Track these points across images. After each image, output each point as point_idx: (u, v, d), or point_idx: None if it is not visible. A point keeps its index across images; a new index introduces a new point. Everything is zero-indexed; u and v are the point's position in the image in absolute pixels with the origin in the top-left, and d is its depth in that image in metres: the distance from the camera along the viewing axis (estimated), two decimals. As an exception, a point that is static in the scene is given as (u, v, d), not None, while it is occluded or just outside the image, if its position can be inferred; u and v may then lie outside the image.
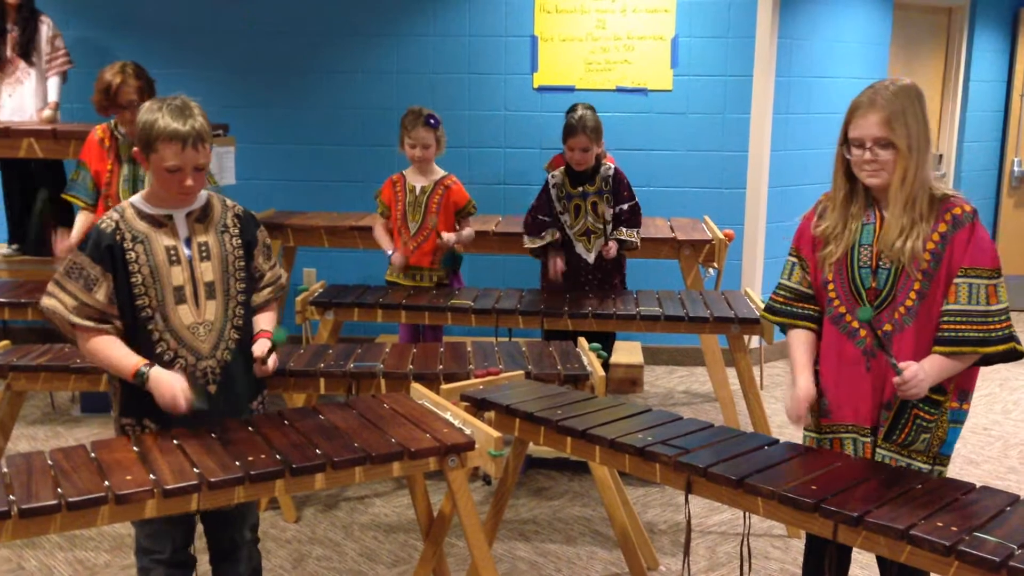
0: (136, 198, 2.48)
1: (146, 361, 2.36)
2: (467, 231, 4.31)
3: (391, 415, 2.58)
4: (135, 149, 2.44)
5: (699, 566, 3.40)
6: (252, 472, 2.18)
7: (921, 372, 2.27)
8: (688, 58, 5.54)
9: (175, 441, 2.32)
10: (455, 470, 2.43)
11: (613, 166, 4.23)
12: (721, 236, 4.60)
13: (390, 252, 4.29)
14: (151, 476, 2.12)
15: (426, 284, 4.25)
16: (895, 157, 2.29)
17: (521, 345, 3.38)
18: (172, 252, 2.42)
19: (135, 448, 2.28)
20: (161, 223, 2.44)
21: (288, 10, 5.67)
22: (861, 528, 1.94)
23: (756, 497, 2.12)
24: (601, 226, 4.19)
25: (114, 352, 2.37)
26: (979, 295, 2.26)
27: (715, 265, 4.63)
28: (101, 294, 2.36)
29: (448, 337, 4.37)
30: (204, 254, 2.46)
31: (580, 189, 4.18)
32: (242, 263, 2.53)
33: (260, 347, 2.54)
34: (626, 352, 5.37)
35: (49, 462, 2.20)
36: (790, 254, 2.56)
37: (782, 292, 2.55)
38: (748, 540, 2.43)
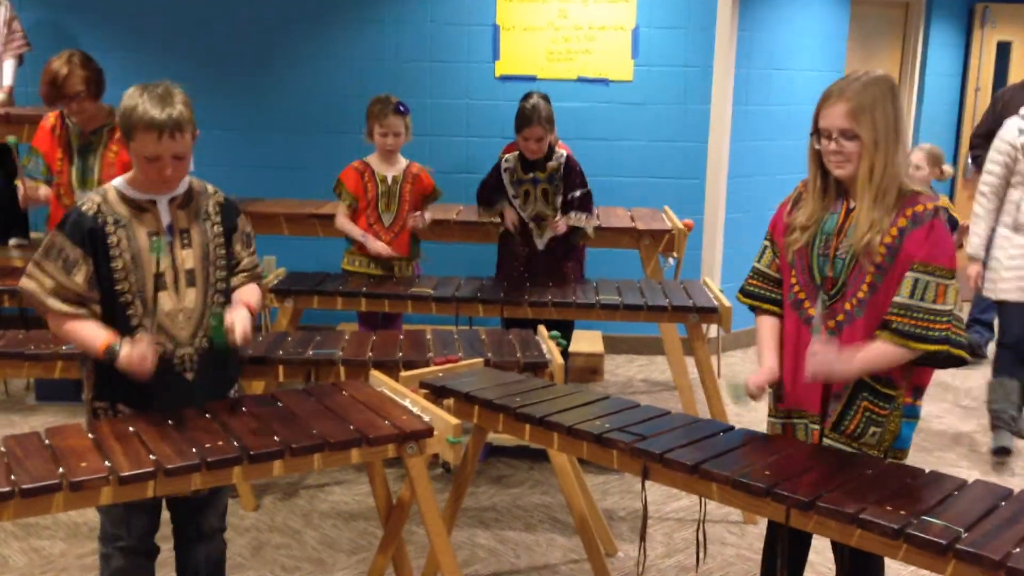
0: (119, 181, 2.45)
1: (115, 336, 2.33)
2: (428, 214, 4.31)
3: (350, 402, 2.57)
4: (118, 136, 2.40)
5: (656, 552, 3.44)
6: (209, 459, 2.17)
7: (833, 355, 2.27)
8: (648, 49, 5.57)
9: (131, 428, 2.30)
10: (414, 457, 2.44)
11: (565, 153, 4.23)
12: (680, 226, 4.64)
13: (361, 236, 4.17)
14: (106, 463, 2.11)
15: (408, 275, 4.23)
16: (860, 149, 2.29)
17: (481, 333, 3.39)
18: (153, 238, 2.40)
19: (90, 435, 2.26)
20: (144, 208, 2.41)
21: (248, -5, 5.62)
22: (812, 512, 1.98)
23: (711, 483, 2.15)
24: (551, 213, 4.19)
25: (86, 332, 2.34)
26: (926, 291, 2.24)
27: (675, 255, 4.66)
28: (80, 277, 2.34)
29: (408, 326, 4.36)
30: (185, 241, 2.44)
31: (531, 175, 4.18)
32: (222, 251, 2.51)
33: (237, 313, 2.46)
34: (587, 341, 5.40)
35: (2, 449, 2.18)
36: (765, 238, 2.58)
37: (754, 276, 2.58)
38: (704, 526, 2.47)
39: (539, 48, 5.61)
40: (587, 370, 5.29)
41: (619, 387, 5.26)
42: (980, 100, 7.22)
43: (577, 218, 4.18)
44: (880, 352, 2.28)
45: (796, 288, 2.45)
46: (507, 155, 4.26)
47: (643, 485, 2.32)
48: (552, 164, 4.17)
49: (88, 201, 2.40)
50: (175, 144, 2.33)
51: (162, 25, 5.64)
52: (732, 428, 2.45)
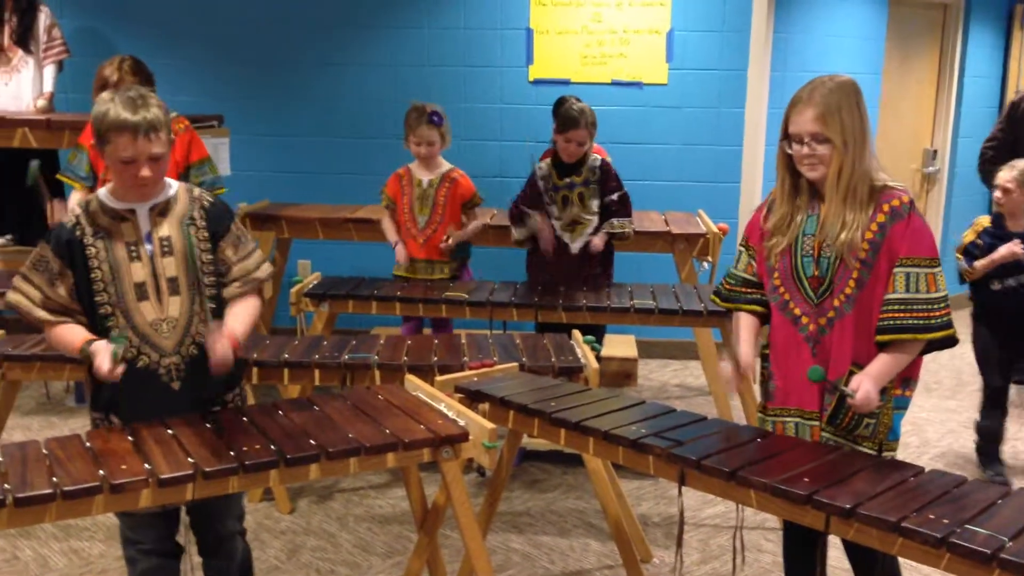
0: (102, 191, 2.44)
1: (92, 337, 2.33)
2: (473, 225, 4.31)
3: (385, 406, 2.58)
4: (91, 144, 2.41)
5: (692, 558, 3.42)
6: (247, 462, 2.18)
7: (869, 385, 2.32)
8: (683, 52, 5.54)
9: (170, 431, 2.33)
10: (449, 461, 2.44)
11: (600, 157, 4.22)
12: (715, 230, 4.61)
13: (393, 242, 4.28)
14: (146, 465, 2.13)
15: (437, 277, 4.25)
16: (831, 152, 2.35)
17: (515, 337, 3.39)
18: (132, 248, 2.38)
19: (130, 438, 2.29)
20: (123, 218, 2.40)
21: (282, 1, 5.66)
22: (853, 520, 1.95)
23: (748, 489, 2.13)
24: (589, 217, 4.17)
25: (68, 335, 2.36)
26: (919, 283, 2.32)
27: (709, 259, 4.64)
28: (62, 289, 2.35)
29: (459, 331, 4.36)
30: (166, 249, 2.41)
31: (567, 180, 4.17)
32: (209, 256, 2.46)
33: (214, 343, 2.35)
34: (620, 345, 5.36)
35: (44, 451, 2.20)
36: (740, 244, 2.65)
37: (730, 279, 2.65)
38: (741, 532, 2.45)
39: (573, 52, 5.60)
40: (621, 375, 5.25)
41: (653, 392, 5.23)
42: (1021, 102, 7.11)
43: (620, 224, 4.17)
44: (890, 359, 2.36)
45: (781, 290, 2.50)
46: (540, 163, 4.25)
47: (679, 491, 2.30)
48: (588, 168, 4.16)
49: (70, 212, 2.42)
50: (150, 145, 2.31)
51: (198, 31, 5.71)
52: (770, 434, 2.43)
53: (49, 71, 5.26)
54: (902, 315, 2.32)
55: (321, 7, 5.66)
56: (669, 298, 3.91)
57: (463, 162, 4.43)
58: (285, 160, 5.78)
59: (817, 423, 2.46)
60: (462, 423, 2.46)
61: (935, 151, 6.90)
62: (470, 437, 2.42)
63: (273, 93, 5.74)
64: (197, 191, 2.53)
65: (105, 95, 2.36)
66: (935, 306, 2.32)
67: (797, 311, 2.46)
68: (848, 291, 2.38)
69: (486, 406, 2.70)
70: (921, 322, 2.32)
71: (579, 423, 2.46)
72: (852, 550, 2.52)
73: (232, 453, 2.21)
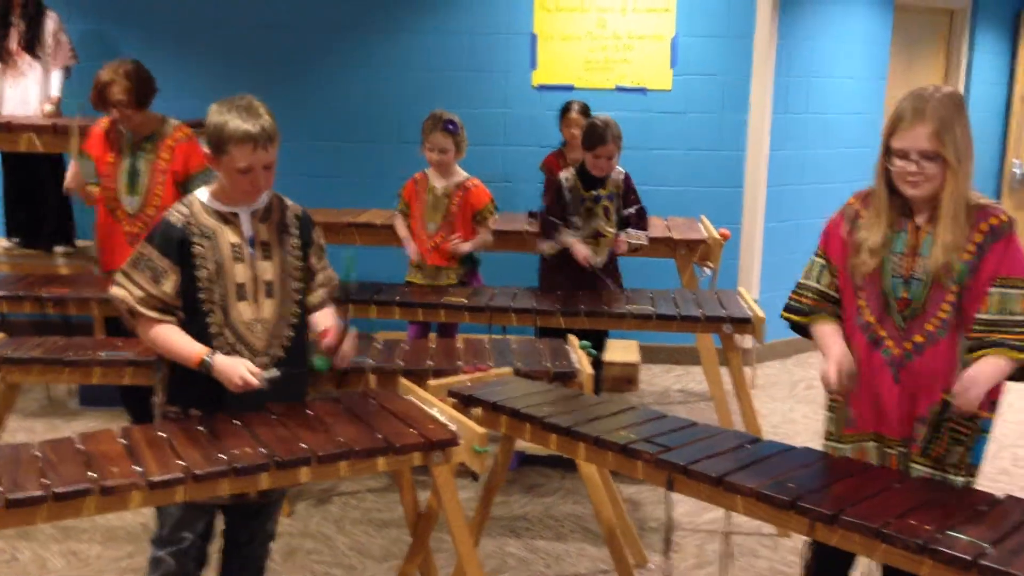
0: (203, 193, 2.52)
1: (208, 350, 2.41)
2: (479, 238, 4.29)
3: (378, 410, 2.59)
4: (206, 151, 2.46)
5: (687, 563, 3.41)
6: (237, 465, 2.20)
7: (975, 377, 2.18)
8: (687, 58, 5.55)
9: (161, 434, 2.35)
10: (440, 465, 2.45)
11: (623, 171, 4.25)
12: (716, 235, 4.62)
13: (405, 240, 4.31)
14: (136, 468, 2.15)
15: (444, 283, 4.27)
16: (942, 170, 2.23)
17: (512, 342, 3.40)
18: (237, 249, 2.47)
19: (122, 440, 2.31)
20: (228, 220, 2.48)
21: (288, 5, 5.70)
22: (836, 526, 1.95)
23: (735, 495, 2.14)
24: (611, 230, 4.19)
25: (179, 340, 2.42)
26: (1014, 305, 2.20)
27: (710, 264, 4.64)
28: (168, 286, 2.41)
29: (464, 335, 4.37)
30: (266, 253, 2.50)
31: (593, 192, 4.18)
32: (300, 263, 2.57)
33: (333, 337, 2.55)
34: (622, 351, 5.38)
35: (36, 454, 2.23)
36: (817, 255, 2.50)
37: (808, 294, 2.49)
38: (730, 537, 2.45)
39: (577, 57, 5.62)
40: (622, 380, 5.27)
41: (655, 397, 5.23)
42: (1027, 108, 7.10)
43: (637, 235, 4.21)
44: (995, 367, 2.20)
45: (866, 311, 2.39)
46: (565, 174, 4.26)
47: (667, 496, 2.31)
48: (613, 181, 4.19)
49: (176, 212, 2.47)
50: (267, 155, 2.43)
51: (205, 35, 5.74)
52: (758, 439, 2.44)
53: (56, 76, 5.30)
54: (994, 335, 2.20)
55: (327, 11, 5.69)
56: (668, 303, 3.91)
57: (467, 167, 4.44)
58: (288, 164, 5.74)
59: (896, 451, 2.36)
60: (453, 427, 2.48)
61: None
62: (461, 442, 2.43)
63: (278, 97, 5.65)
64: (289, 201, 2.63)
65: (217, 106, 2.43)
66: None
67: (882, 333, 2.35)
68: (943, 315, 2.28)
69: (479, 411, 2.71)
70: (1016, 343, 2.19)
71: (570, 428, 2.47)
72: (888, 572, 2.43)
73: (223, 456, 2.23)
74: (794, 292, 2.53)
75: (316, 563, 3.41)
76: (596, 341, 3.91)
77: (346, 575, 3.34)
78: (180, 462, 2.19)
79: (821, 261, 2.48)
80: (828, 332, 2.45)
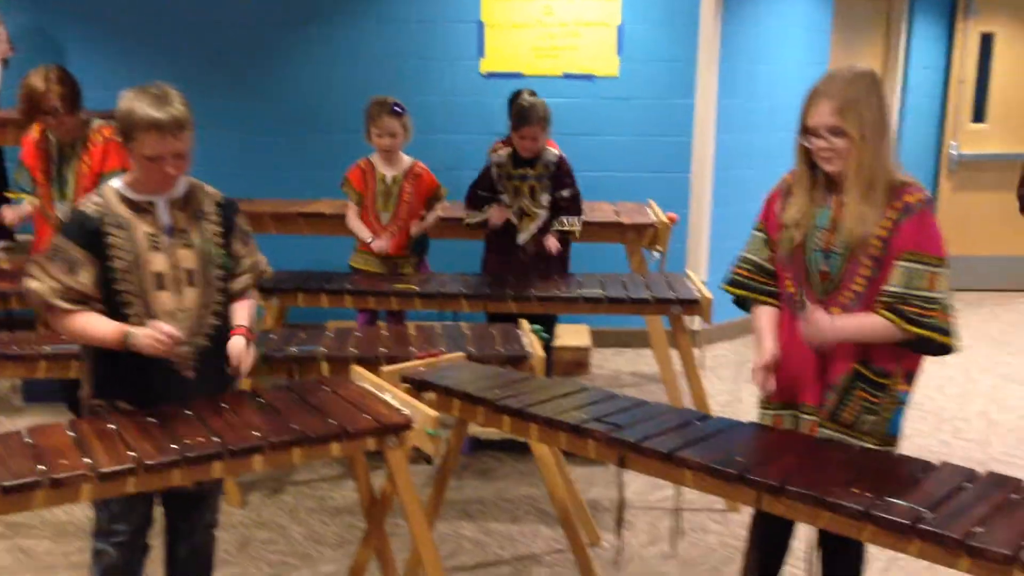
0: (118, 183, 2.48)
1: (127, 328, 2.37)
2: (431, 217, 4.33)
3: (331, 397, 2.60)
4: (117, 138, 2.43)
5: (640, 540, 3.47)
6: (189, 455, 2.19)
7: (823, 317, 2.30)
8: (633, 44, 5.60)
9: (111, 426, 2.33)
10: (394, 450, 2.47)
11: (557, 153, 4.28)
12: (664, 219, 4.67)
13: (370, 240, 4.24)
14: (86, 460, 2.13)
15: (408, 271, 4.26)
16: (849, 145, 2.30)
17: (464, 328, 3.42)
18: (153, 239, 2.43)
19: (70, 433, 2.29)
20: (144, 209, 2.44)
21: (232, -4, 5.64)
22: (783, 496, 2.00)
23: (685, 469, 2.18)
24: (537, 210, 4.23)
25: (97, 324, 2.38)
26: (918, 280, 2.27)
27: (659, 248, 4.70)
28: (85, 277, 2.37)
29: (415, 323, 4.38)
30: (185, 241, 2.47)
31: (521, 171, 4.22)
32: (221, 251, 2.54)
33: (235, 346, 2.51)
34: (573, 334, 5.42)
35: (-17, 447, 2.20)
36: (756, 228, 2.57)
37: (745, 266, 2.57)
38: (680, 513, 2.50)
39: (525, 45, 5.64)
40: (573, 364, 5.32)
41: (606, 380, 5.28)
42: (963, 92, 7.26)
43: (569, 223, 4.23)
44: (874, 323, 2.29)
45: (788, 284, 2.48)
46: (499, 151, 4.30)
47: (619, 474, 2.35)
48: (544, 162, 4.23)
49: (89, 203, 2.43)
50: (177, 143, 2.37)
51: (145, 28, 5.65)
52: (707, 416, 2.48)
53: (-7, 68, 5.20)
54: (899, 305, 2.26)
55: (270, 3, 5.63)
56: (617, 287, 3.96)
57: (416, 155, 4.44)
58: (234, 155, 5.74)
59: (813, 418, 2.45)
60: (407, 412, 2.49)
61: (882, 140, 7.01)
62: (414, 425, 2.45)
63: (220, 89, 5.69)
64: (209, 187, 2.59)
65: (129, 93, 2.39)
66: (930, 305, 2.25)
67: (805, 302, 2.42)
68: (857, 288, 2.35)
69: (432, 395, 2.73)
70: (912, 315, 2.25)
71: (522, 410, 2.50)
72: (824, 537, 2.50)
73: (174, 446, 2.22)
74: (735, 264, 2.61)
75: (271, 553, 3.41)
76: (547, 325, 3.95)
77: (302, 564, 3.34)
78: (131, 453, 2.17)
79: (760, 235, 2.57)
80: (764, 322, 2.53)
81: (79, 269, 2.37)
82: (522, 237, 4.24)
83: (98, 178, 3.86)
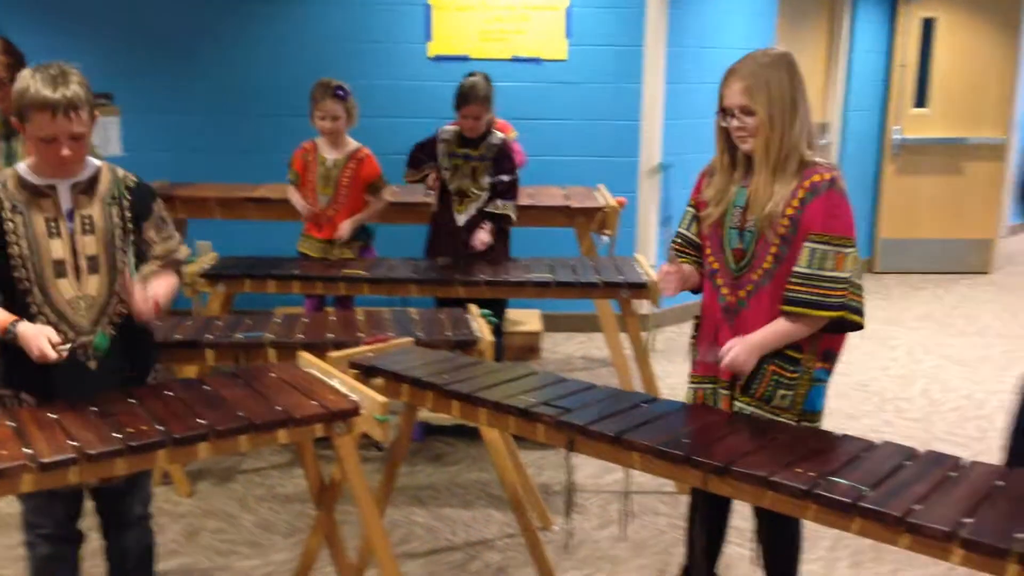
0: (22, 166, 2.41)
1: (15, 318, 2.30)
2: (368, 211, 4.29)
3: (278, 384, 2.57)
4: (13, 119, 2.35)
5: (591, 523, 3.50)
6: (132, 443, 2.16)
7: (740, 349, 2.37)
8: (581, 28, 5.60)
9: (52, 415, 2.28)
10: (342, 436, 2.45)
11: (502, 136, 4.27)
12: (613, 203, 4.69)
13: (301, 207, 4.27)
14: (26, 450, 2.09)
15: (336, 256, 4.22)
16: (758, 124, 2.37)
17: (412, 313, 3.40)
18: (52, 224, 2.36)
19: (10, 423, 2.24)
20: (43, 193, 2.37)
21: (174, -24, 5.52)
22: (728, 477, 2.03)
23: (632, 452, 2.20)
24: (477, 191, 4.23)
25: None
26: (824, 261, 2.32)
27: (608, 232, 4.72)
28: None
29: (363, 308, 4.35)
30: (87, 227, 2.40)
31: (464, 151, 4.22)
32: (131, 236, 2.47)
33: (137, 292, 2.39)
34: (524, 319, 5.43)
35: (-82, 440, 2.14)
36: (689, 204, 2.66)
37: (678, 240, 2.67)
38: (630, 496, 2.52)
39: (472, 28, 5.61)
40: (525, 348, 5.32)
41: (558, 365, 5.30)
42: (906, 77, 7.38)
43: (503, 206, 4.25)
44: (776, 330, 2.38)
45: (711, 259, 2.54)
46: (449, 127, 4.29)
47: (568, 457, 2.36)
48: (487, 144, 4.22)
49: None
50: (71, 124, 2.29)
51: (86, 6, 5.51)
52: (654, 399, 2.51)
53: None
54: (802, 289, 2.33)
55: (214, -18, 5.53)
56: (567, 271, 3.97)
57: (361, 139, 4.40)
58: (180, 139, 5.65)
59: (728, 392, 2.50)
60: (355, 398, 2.47)
61: (825, 124, 7.12)
62: (362, 411, 2.44)
63: (164, 71, 5.59)
64: (121, 171, 2.51)
65: (26, 71, 2.31)
66: (836, 285, 2.31)
67: (720, 281, 2.50)
68: (766, 265, 2.40)
69: (380, 381, 2.71)
70: (817, 298, 2.31)
71: (471, 394, 2.50)
72: (759, 515, 2.58)
73: (117, 435, 2.18)
74: (672, 239, 2.70)
75: (220, 542, 3.37)
76: (496, 310, 3.95)
77: (252, 552, 3.31)
78: (72, 443, 2.13)
79: (691, 211, 2.65)
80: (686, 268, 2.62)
81: None
82: (460, 219, 4.25)
83: None
